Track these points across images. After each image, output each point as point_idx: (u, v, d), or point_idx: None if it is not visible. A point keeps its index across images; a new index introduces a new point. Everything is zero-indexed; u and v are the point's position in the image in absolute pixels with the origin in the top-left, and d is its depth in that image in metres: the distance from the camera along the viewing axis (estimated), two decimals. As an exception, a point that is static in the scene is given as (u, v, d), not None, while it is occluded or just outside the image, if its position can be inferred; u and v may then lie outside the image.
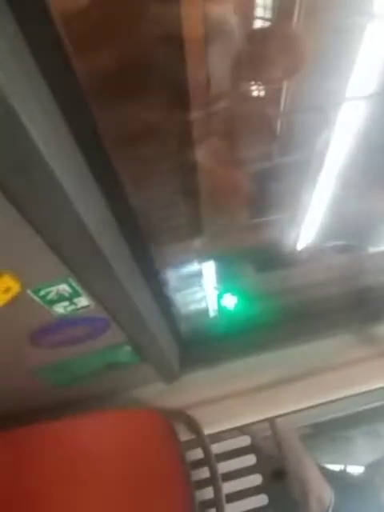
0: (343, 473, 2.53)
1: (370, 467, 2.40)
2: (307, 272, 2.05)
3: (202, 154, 2.22)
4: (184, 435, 1.65)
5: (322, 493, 1.71)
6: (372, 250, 2.25)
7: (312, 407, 1.69)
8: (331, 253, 2.41)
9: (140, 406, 1.73)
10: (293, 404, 1.69)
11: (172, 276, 1.74)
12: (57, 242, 0.80)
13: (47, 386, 1.49)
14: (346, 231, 2.67)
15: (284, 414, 1.69)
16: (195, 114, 2.21)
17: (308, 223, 2.78)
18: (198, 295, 1.89)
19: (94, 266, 0.89)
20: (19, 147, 0.61)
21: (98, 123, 0.93)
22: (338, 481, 1.89)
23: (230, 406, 1.68)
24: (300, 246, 2.78)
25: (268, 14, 2.53)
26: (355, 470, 2.63)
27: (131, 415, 1.69)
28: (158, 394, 1.73)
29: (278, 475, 1.70)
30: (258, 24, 2.46)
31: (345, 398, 1.71)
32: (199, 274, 1.98)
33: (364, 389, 1.69)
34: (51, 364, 1.34)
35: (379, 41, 2.18)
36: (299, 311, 1.75)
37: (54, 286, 0.91)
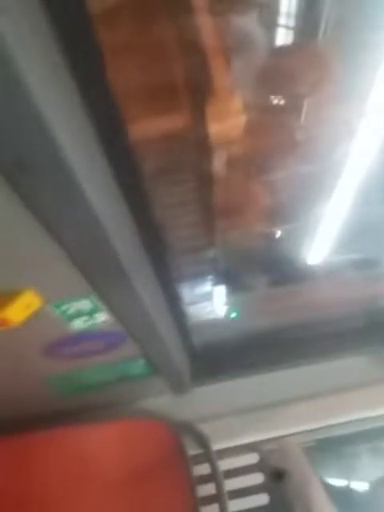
0: (348, 489, 2.50)
1: (375, 484, 2.37)
2: (323, 289, 2.03)
3: (222, 166, 2.21)
4: (192, 449, 1.64)
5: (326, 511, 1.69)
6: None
7: (322, 428, 1.67)
8: (348, 269, 2.39)
9: (149, 416, 1.71)
10: (303, 423, 1.67)
11: (187, 288, 1.73)
12: (82, 261, 0.79)
13: (58, 394, 1.48)
14: (364, 246, 2.65)
15: (294, 434, 1.68)
16: (217, 125, 2.20)
17: (326, 236, 2.75)
18: (212, 308, 1.88)
19: (117, 283, 0.88)
20: (48, 163, 0.59)
21: (126, 133, 0.92)
22: (343, 497, 1.87)
23: (240, 421, 1.67)
24: (316, 260, 2.75)
25: (294, 29, 2.52)
26: (360, 486, 2.60)
27: (139, 426, 1.68)
28: (167, 405, 1.72)
29: (278, 476, 1.68)
30: (284, 38, 2.45)
31: (355, 420, 1.69)
32: (213, 287, 1.97)
33: (375, 413, 1.67)
34: (64, 374, 1.33)
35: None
36: (314, 330, 1.73)
37: (75, 301, 0.91)
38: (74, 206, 0.69)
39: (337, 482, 2.24)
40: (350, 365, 1.73)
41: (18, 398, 1.43)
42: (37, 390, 1.42)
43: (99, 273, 0.83)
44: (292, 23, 2.44)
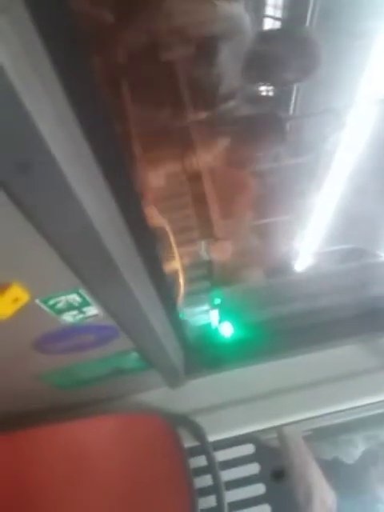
0: (339, 463, 2.50)
1: (364, 458, 2.37)
2: (315, 278, 2.02)
3: (212, 155, 2.21)
4: (188, 441, 1.63)
5: (326, 496, 1.70)
6: (381, 257, 2.22)
7: (317, 417, 1.67)
8: (339, 258, 2.39)
9: (144, 410, 1.71)
10: (298, 413, 1.67)
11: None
12: (69, 254, 0.78)
13: (52, 389, 1.47)
14: (355, 235, 2.65)
15: (289, 423, 1.68)
16: (205, 114, 2.19)
17: (316, 226, 2.76)
18: (205, 299, 1.88)
19: (106, 276, 0.87)
20: (29, 148, 0.58)
21: (113, 122, 0.90)
22: (334, 471, 1.89)
23: (235, 413, 1.66)
24: (307, 250, 2.75)
25: (281, 15, 2.50)
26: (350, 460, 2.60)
27: (135, 420, 1.67)
28: (162, 398, 1.71)
29: (277, 475, 1.69)
30: (271, 24, 2.43)
31: (351, 408, 1.70)
32: (206, 279, 1.97)
33: (370, 400, 1.67)
34: (57, 369, 1.32)
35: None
36: (307, 319, 1.73)
37: (63, 295, 0.89)
38: (62, 201, 0.67)
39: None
40: (344, 353, 1.73)
41: (11, 394, 1.42)
42: (30, 386, 1.41)
43: (88, 267, 0.82)
44: (280, 10, 2.42)
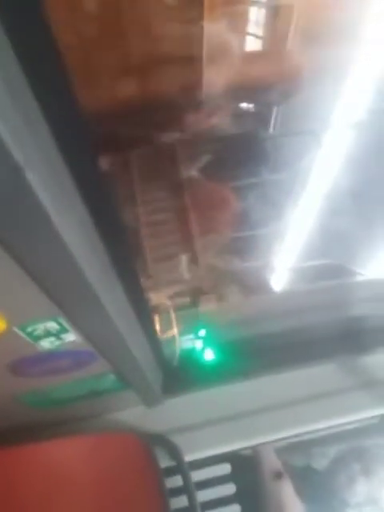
0: (308, 469, 2.51)
1: (334, 463, 2.38)
2: (294, 296, 2.04)
3: (194, 172, 2.21)
4: (164, 461, 1.62)
5: None
6: (359, 277, 2.25)
7: (295, 436, 1.68)
8: (318, 274, 2.41)
9: (120, 428, 1.69)
10: (276, 433, 1.67)
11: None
12: (47, 283, 0.77)
13: (27, 409, 1.44)
14: (334, 252, 2.68)
15: (266, 443, 1.68)
16: (188, 132, 2.20)
17: (296, 242, 2.78)
18: (185, 317, 1.87)
19: (86, 305, 0.86)
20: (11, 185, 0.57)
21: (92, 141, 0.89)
22: (305, 478, 1.90)
23: (212, 432, 1.66)
24: (286, 266, 2.77)
25: (263, 39, 2.53)
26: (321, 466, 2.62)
27: (110, 439, 1.65)
28: (139, 416, 1.70)
29: (276, 476, 1.70)
30: (254, 46, 2.46)
31: (326, 427, 1.71)
32: (187, 297, 1.96)
33: (347, 420, 1.68)
34: (32, 391, 1.30)
35: (367, 72, 2.23)
36: (284, 339, 1.74)
37: (41, 323, 0.88)
38: (39, 232, 0.66)
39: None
40: (322, 373, 1.74)
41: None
42: (4, 406, 1.39)
43: (67, 296, 0.81)
44: (261, 28, 2.45)
